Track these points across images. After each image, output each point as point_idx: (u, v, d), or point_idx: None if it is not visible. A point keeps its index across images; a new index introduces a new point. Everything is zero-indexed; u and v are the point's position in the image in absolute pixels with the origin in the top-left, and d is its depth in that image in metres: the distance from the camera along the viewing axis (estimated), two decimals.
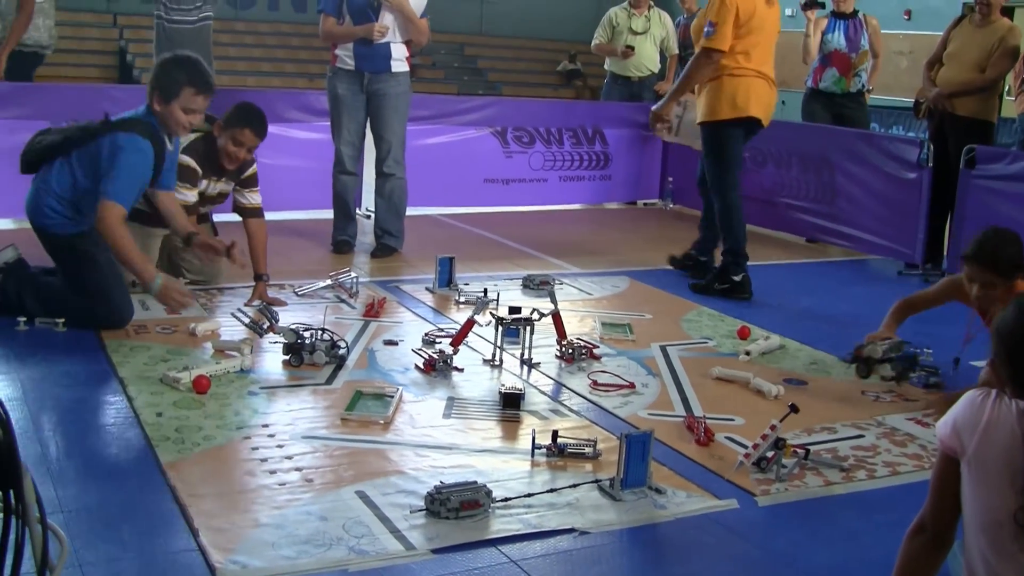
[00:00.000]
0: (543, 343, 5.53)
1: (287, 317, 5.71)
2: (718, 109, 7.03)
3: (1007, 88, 8.52)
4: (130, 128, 5.43)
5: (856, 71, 9.15)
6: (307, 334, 5.15)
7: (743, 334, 6.05)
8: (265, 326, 5.30)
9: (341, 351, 5.17)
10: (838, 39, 9.09)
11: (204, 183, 6.29)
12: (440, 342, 5.51)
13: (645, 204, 10.94)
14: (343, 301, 6.29)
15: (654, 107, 7.45)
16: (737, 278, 7.15)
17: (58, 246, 5.55)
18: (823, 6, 9.30)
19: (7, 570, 2.14)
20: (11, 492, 2.11)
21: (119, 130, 5.42)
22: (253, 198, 6.41)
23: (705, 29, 6.91)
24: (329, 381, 4.91)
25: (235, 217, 6.49)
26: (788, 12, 23.62)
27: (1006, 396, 2.49)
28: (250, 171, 6.40)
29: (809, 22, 9.24)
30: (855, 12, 9.17)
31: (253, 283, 6.21)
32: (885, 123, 16.35)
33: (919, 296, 5.45)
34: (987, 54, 7.87)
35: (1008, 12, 9.77)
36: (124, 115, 5.56)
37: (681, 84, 7.24)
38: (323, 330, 5.20)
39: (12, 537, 2.14)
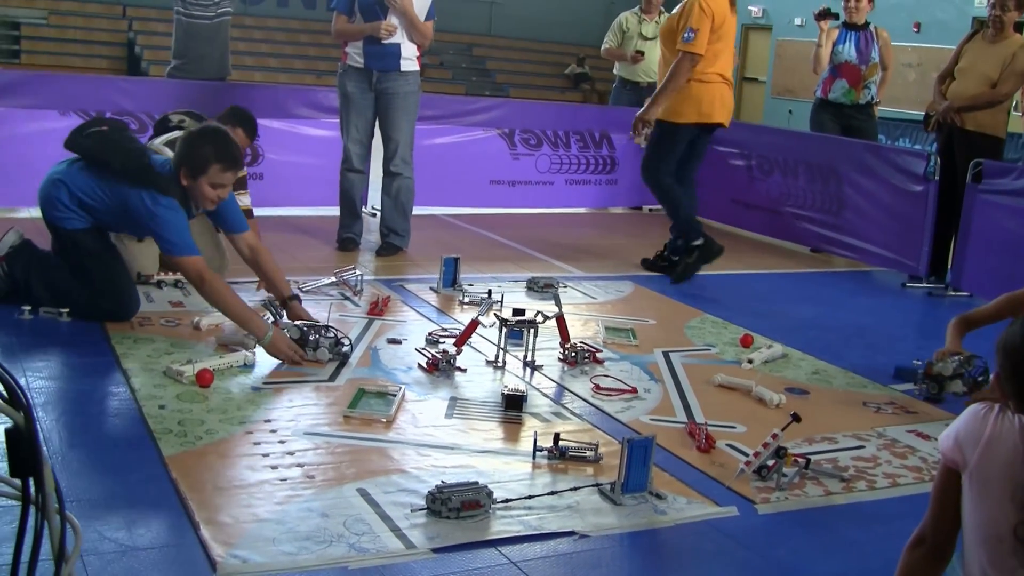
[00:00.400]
0: (546, 346, 5.54)
1: None
2: (683, 112, 7.44)
3: (1015, 104, 8.51)
4: (164, 190, 5.25)
5: (866, 83, 9.13)
6: (311, 331, 5.15)
7: (746, 342, 6.06)
8: (270, 320, 5.29)
9: (345, 348, 5.17)
10: (849, 50, 9.07)
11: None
12: (443, 342, 5.52)
13: (651, 210, 10.93)
14: (347, 299, 6.30)
15: (640, 112, 7.49)
16: (699, 241, 7.60)
17: (65, 239, 5.54)
18: (836, 16, 9.29)
19: (25, 558, 2.14)
20: (31, 481, 2.11)
21: (154, 189, 5.24)
22: (241, 200, 6.43)
23: (686, 35, 7.21)
24: (332, 378, 4.92)
25: (265, 213, 6.52)
26: (797, 21, 23.71)
27: (1009, 411, 2.50)
28: (240, 173, 6.37)
29: (822, 32, 9.22)
30: (866, 24, 9.15)
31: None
32: (892, 135, 16.37)
33: (976, 312, 5.39)
34: (998, 70, 7.87)
35: (1019, 28, 9.78)
36: (158, 165, 5.40)
37: (667, 88, 7.38)
38: (327, 327, 5.21)
39: (32, 525, 2.14)
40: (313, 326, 5.21)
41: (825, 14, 9.27)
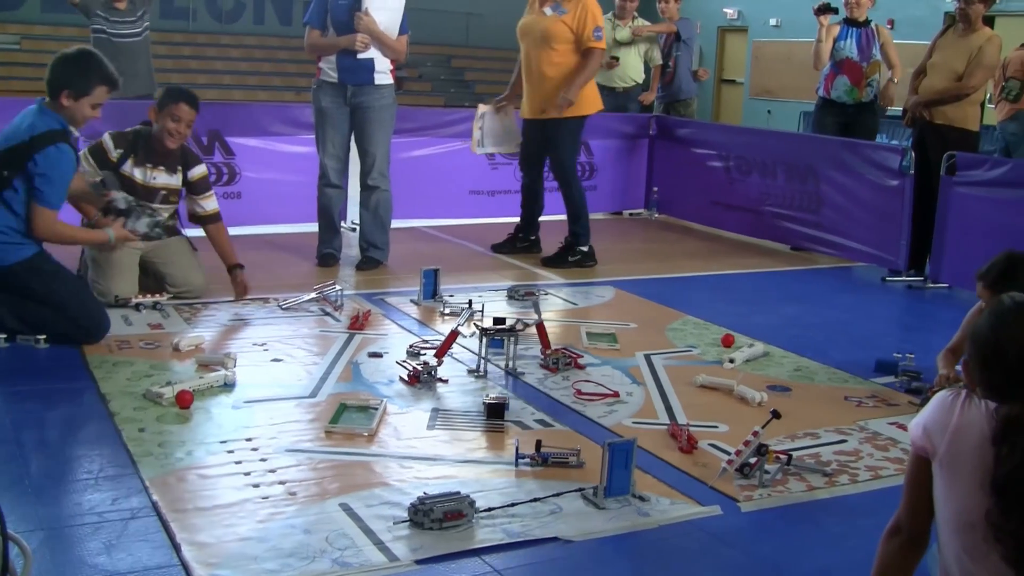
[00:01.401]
0: (527, 353, 5.54)
1: (268, 331, 5.77)
2: (585, 105, 8.15)
3: (988, 96, 8.51)
4: (55, 140, 5.44)
5: (868, 80, 9.00)
6: (137, 206, 5.89)
7: (727, 342, 6.06)
8: (100, 182, 5.90)
9: (157, 230, 5.93)
10: (850, 47, 8.95)
11: (139, 171, 6.38)
12: (424, 354, 5.51)
13: (631, 214, 10.94)
14: (328, 314, 6.29)
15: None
16: (586, 248, 8.26)
17: (21, 273, 5.48)
18: (836, 11, 9.20)
19: None
20: None
21: (48, 144, 5.42)
22: (208, 204, 6.62)
23: (596, 33, 7.92)
24: (313, 394, 4.91)
25: (230, 232, 6.66)
26: (773, 22, 23.77)
27: (976, 397, 2.51)
28: (197, 173, 6.58)
29: (821, 27, 9.05)
30: (867, 21, 9.05)
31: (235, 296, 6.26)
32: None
33: (957, 340, 5.35)
34: (966, 64, 7.89)
35: (988, 21, 9.79)
36: (40, 128, 5.49)
37: (583, 81, 8.02)
38: (154, 209, 6.04)
39: None
40: (140, 204, 5.94)
41: (825, 8, 9.16)
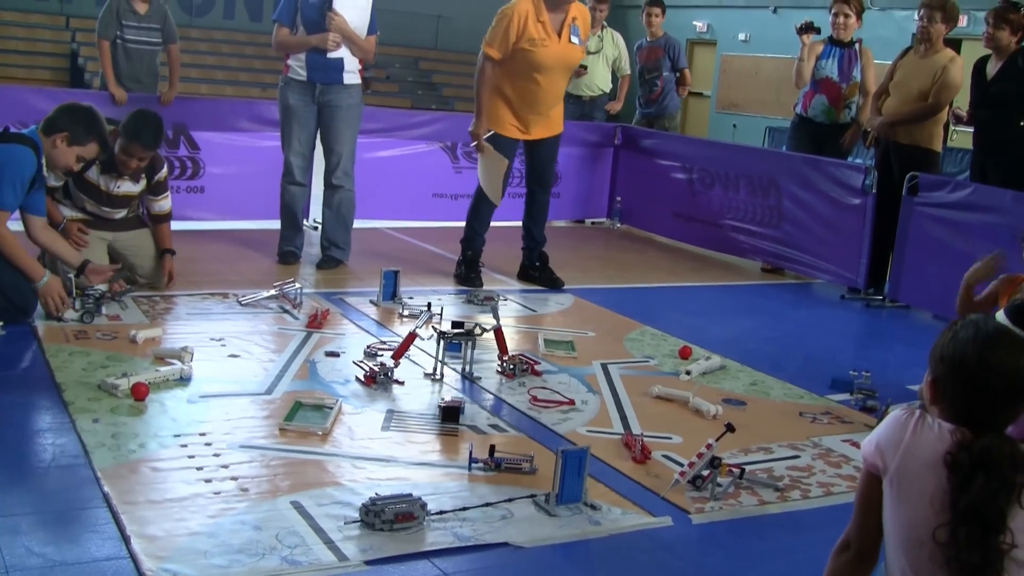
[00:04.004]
0: (485, 358, 5.54)
1: (226, 326, 5.77)
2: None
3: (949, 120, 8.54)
4: (18, 140, 5.60)
5: (847, 102, 8.89)
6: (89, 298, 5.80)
7: (684, 354, 6.08)
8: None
9: (92, 313, 5.76)
10: (831, 67, 8.84)
11: (104, 179, 6.40)
12: (382, 355, 5.51)
13: (593, 223, 10.96)
14: (287, 311, 6.28)
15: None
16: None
17: None
18: (819, 31, 9.12)
19: None
20: None
21: (12, 141, 5.60)
22: (162, 205, 6.68)
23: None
24: (269, 391, 4.90)
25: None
26: (742, 37, 23.85)
27: (929, 417, 2.53)
28: (160, 176, 6.60)
29: (804, 47, 8.95)
30: (852, 42, 8.95)
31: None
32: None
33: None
34: (929, 84, 7.93)
35: (955, 44, 9.86)
36: (12, 130, 5.76)
37: None
38: (101, 298, 5.86)
39: None
40: (93, 295, 5.82)
41: (807, 28, 9.07)
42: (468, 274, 7.71)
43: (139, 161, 6.34)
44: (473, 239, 7.80)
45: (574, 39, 7.39)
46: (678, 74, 10.97)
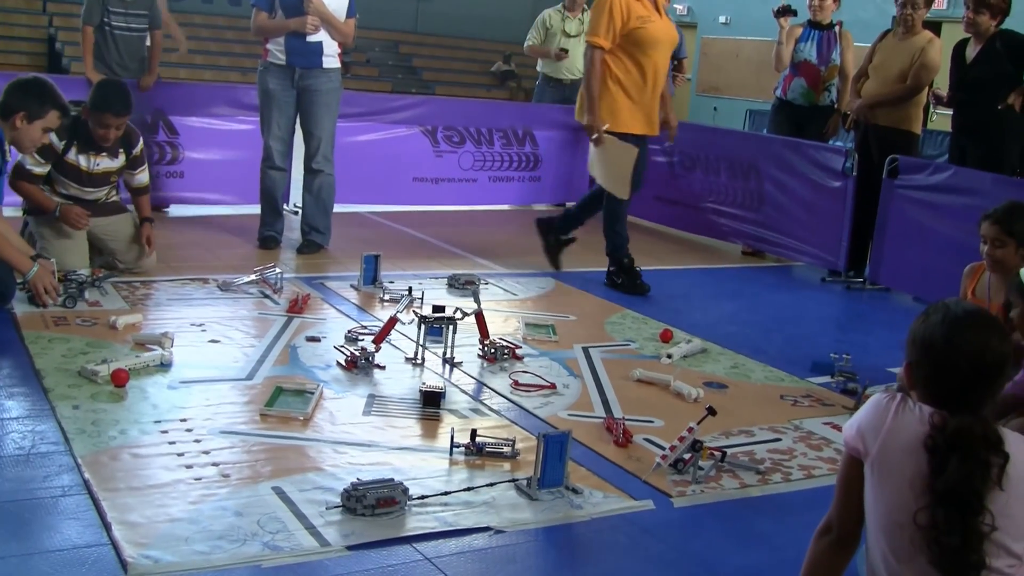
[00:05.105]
0: (466, 342, 5.53)
1: (206, 311, 5.75)
2: None
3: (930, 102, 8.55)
4: None
5: (826, 85, 8.86)
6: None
7: (665, 337, 6.09)
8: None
9: (74, 299, 5.76)
10: (809, 50, 8.81)
11: (83, 158, 6.40)
12: (363, 339, 5.50)
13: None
14: (267, 297, 6.26)
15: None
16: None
17: None
18: (795, 13, 9.09)
19: None
20: None
21: None
22: (140, 178, 6.73)
23: None
24: (250, 376, 4.89)
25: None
26: (722, 19, 23.83)
27: (910, 400, 2.54)
28: (136, 150, 6.63)
29: (782, 30, 8.90)
30: (831, 24, 8.94)
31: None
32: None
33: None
34: (908, 66, 7.94)
35: (935, 27, 9.84)
36: None
37: None
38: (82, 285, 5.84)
39: None
40: (76, 280, 5.82)
41: (784, 11, 9.02)
42: (632, 281, 7.33)
43: (116, 130, 6.34)
44: (622, 244, 7.44)
45: (672, 17, 7.13)
46: (675, 62, 10.93)
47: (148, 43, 8.66)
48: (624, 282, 7.33)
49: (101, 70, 8.38)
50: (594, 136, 7.10)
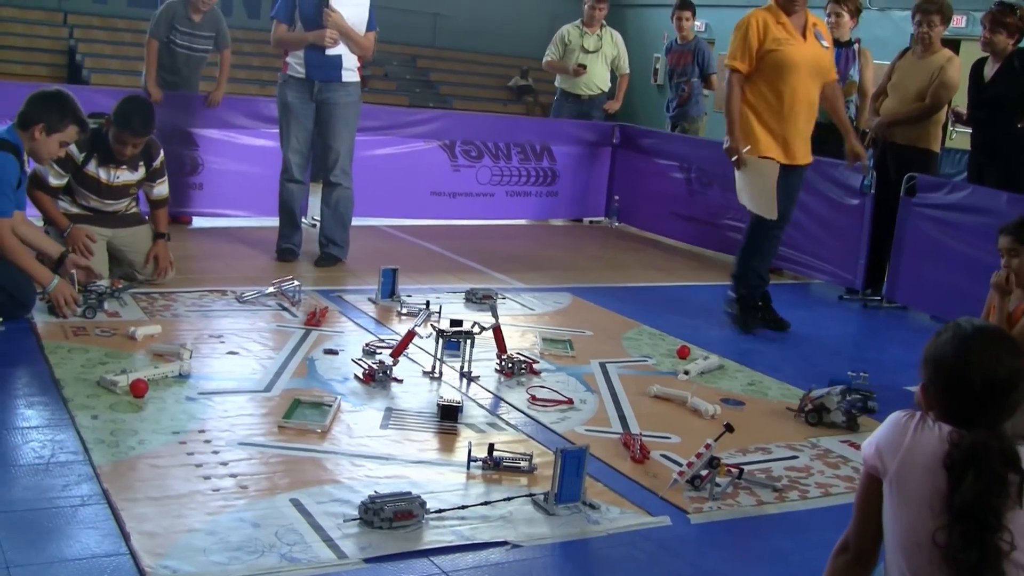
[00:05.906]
0: (483, 357, 5.53)
1: (225, 323, 5.77)
2: None
3: (947, 120, 8.52)
4: (2, 147, 5.59)
5: (844, 101, 8.80)
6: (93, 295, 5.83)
7: (683, 353, 6.09)
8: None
9: (94, 309, 5.79)
10: None
11: (103, 171, 6.44)
12: (380, 353, 5.51)
13: (591, 222, 10.96)
14: (285, 309, 6.28)
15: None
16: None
17: None
18: None
19: None
20: None
21: None
22: (159, 190, 6.76)
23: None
24: (268, 388, 4.90)
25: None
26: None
27: (930, 419, 2.54)
28: (156, 163, 6.66)
29: None
30: (850, 42, 8.85)
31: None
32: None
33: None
34: (927, 85, 7.93)
35: (954, 45, 9.81)
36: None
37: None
38: (102, 297, 5.86)
39: None
40: (96, 291, 5.86)
41: None
42: (744, 317, 7.01)
43: (133, 148, 6.37)
44: (746, 275, 7.02)
45: (822, 42, 6.91)
46: (703, 79, 10.94)
47: (216, 59, 8.81)
48: (736, 316, 7.05)
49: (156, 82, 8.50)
50: (734, 158, 6.82)
